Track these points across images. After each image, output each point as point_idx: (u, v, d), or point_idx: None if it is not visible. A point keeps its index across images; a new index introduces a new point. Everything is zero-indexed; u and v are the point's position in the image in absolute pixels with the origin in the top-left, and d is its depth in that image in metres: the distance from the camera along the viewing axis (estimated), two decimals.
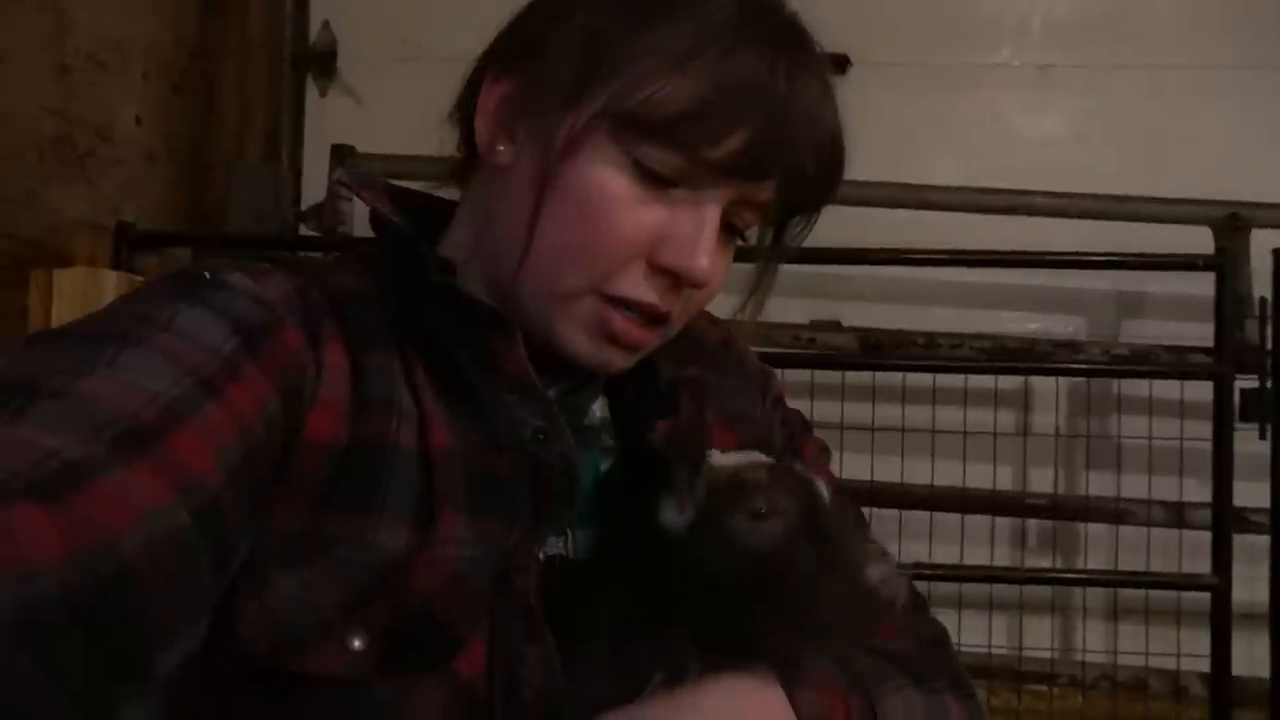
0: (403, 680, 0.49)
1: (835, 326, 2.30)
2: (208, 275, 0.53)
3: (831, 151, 0.59)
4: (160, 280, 0.54)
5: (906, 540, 2.10)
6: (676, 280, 0.57)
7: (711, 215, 0.57)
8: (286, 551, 0.50)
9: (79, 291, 1.91)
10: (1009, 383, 2.27)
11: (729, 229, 0.60)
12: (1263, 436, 1.97)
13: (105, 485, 0.39)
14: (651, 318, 0.58)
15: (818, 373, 2.09)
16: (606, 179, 0.56)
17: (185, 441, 0.43)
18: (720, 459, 0.56)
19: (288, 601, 0.49)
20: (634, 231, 0.56)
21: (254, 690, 0.49)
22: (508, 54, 0.60)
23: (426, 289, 0.58)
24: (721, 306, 0.68)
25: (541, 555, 0.56)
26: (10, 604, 0.34)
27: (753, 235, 0.64)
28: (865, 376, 2.19)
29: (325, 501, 0.51)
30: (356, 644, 0.49)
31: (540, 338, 0.59)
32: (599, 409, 0.64)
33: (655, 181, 0.56)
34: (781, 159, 0.56)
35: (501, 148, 0.59)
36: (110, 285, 1.95)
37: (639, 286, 0.57)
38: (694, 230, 0.56)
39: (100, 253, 2.06)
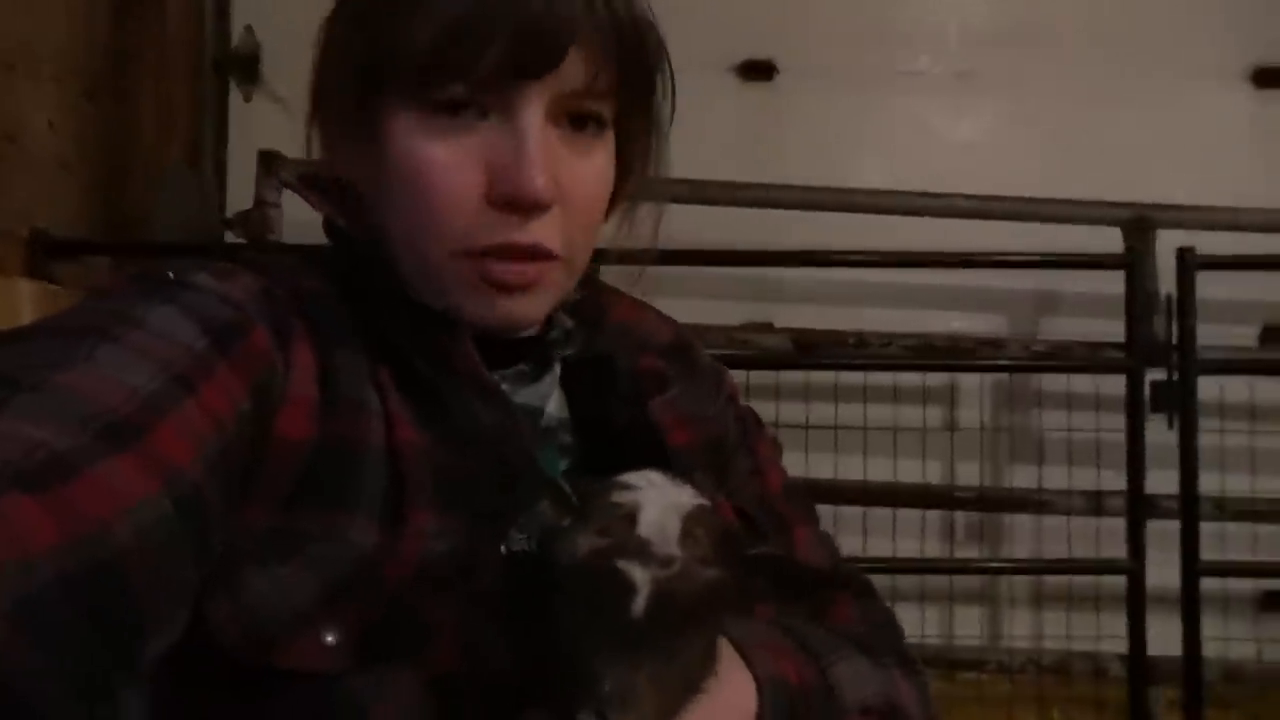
0: (375, 672, 0.50)
1: (768, 328, 2.35)
2: (172, 275, 0.53)
3: (613, 22, 0.58)
4: (125, 281, 0.54)
5: (841, 535, 2.13)
6: (524, 208, 0.56)
7: (529, 126, 0.56)
8: (259, 549, 0.50)
9: None
10: (936, 379, 2.35)
11: (582, 127, 0.58)
12: (1170, 426, 2.07)
13: (93, 476, 0.39)
14: (529, 254, 0.57)
15: (752, 373, 2.13)
16: (417, 146, 0.57)
17: (166, 435, 0.43)
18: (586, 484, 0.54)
19: (262, 598, 0.49)
20: (460, 183, 0.56)
21: (229, 686, 0.49)
22: (313, 103, 0.62)
23: (376, 292, 0.59)
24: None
25: (505, 549, 0.57)
26: (9, 591, 0.34)
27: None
28: (799, 376, 2.24)
29: (297, 499, 0.51)
30: (330, 639, 0.49)
31: (450, 317, 0.59)
32: (555, 408, 0.64)
33: (462, 122, 0.56)
34: (550, 49, 0.55)
35: (351, 169, 0.61)
36: (24, 294, 1.88)
37: (494, 231, 0.56)
38: (514, 152, 0.55)
39: (10, 262, 1.98)
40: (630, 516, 0.51)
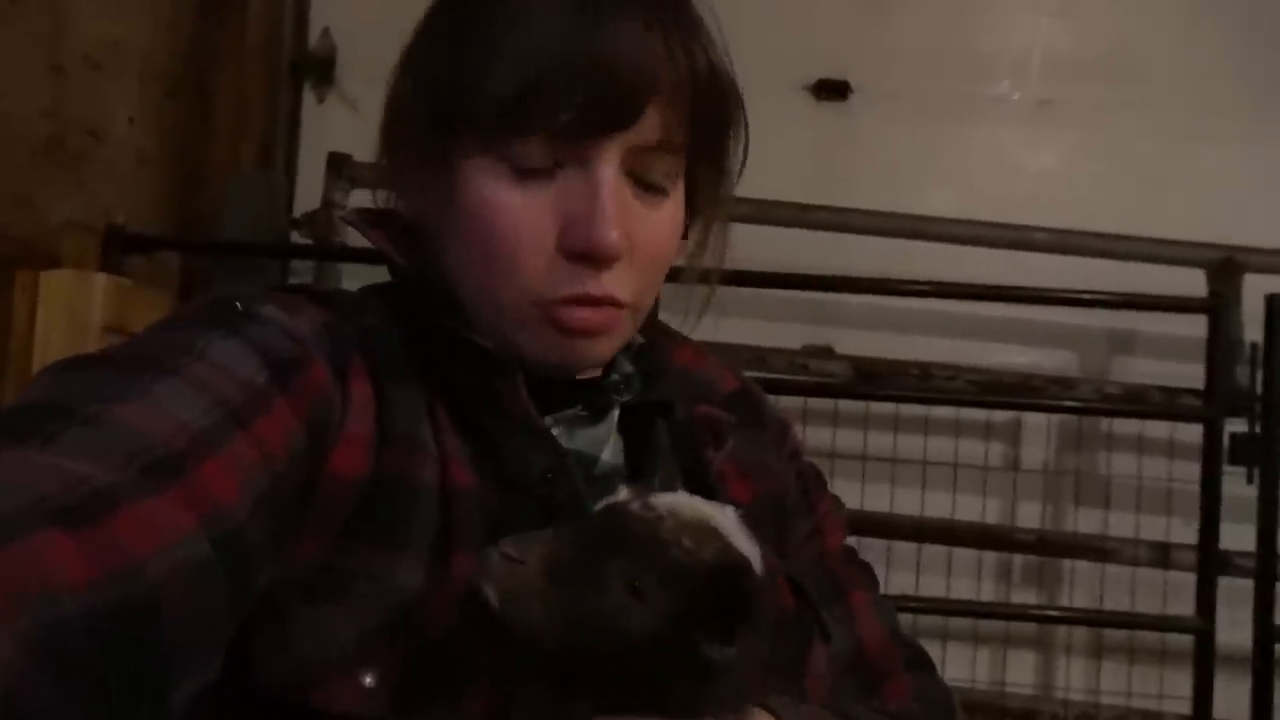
0: (412, 717, 0.49)
1: (828, 353, 2.30)
2: (239, 306, 0.53)
3: (692, 76, 0.57)
4: (195, 308, 0.54)
5: (894, 571, 2.09)
6: (596, 261, 0.56)
7: (604, 180, 0.55)
8: (308, 586, 0.50)
9: (65, 294, 1.88)
10: (1000, 416, 2.27)
11: (647, 185, 0.58)
12: (1250, 481, 1.98)
13: (132, 513, 0.39)
14: (598, 303, 0.57)
15: (810, 400, 2.09)
16: (492, 194, 0.56)
17: (213, 471, 0.44)
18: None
19: (307, 636, 0.49)
20: (534, 232, 0.56)
21: None
22: (383, 139, 0.62)
23: (432, 331, 0.59)
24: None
25: None
26: (33, 626, 0.34)
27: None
28: (859, 405, 2.19)
29: (348, 536, 0.51)
30: (369, 681, 0.49)
31: (516, 358, 0.58)
32: (611, 455, 0.63)
33: (537, 171, 0.56)
34: (629, 104, 0.55)
35: (419, 207, 0.61)
36: (98, 288, 1.92)
37: (565, 282, 0.56)
38: (587, 206, 0.55)
39: (89, 255, 2.03)
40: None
